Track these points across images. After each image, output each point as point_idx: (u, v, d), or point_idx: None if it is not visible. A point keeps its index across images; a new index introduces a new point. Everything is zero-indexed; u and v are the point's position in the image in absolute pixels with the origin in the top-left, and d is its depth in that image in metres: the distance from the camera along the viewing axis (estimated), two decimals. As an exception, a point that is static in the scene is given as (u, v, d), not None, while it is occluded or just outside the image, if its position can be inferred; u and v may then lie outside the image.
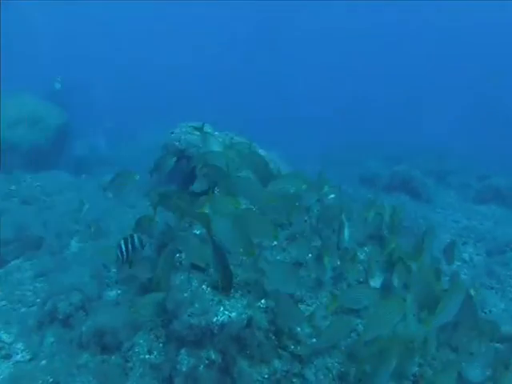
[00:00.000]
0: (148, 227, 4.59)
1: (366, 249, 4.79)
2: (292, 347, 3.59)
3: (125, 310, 4.97)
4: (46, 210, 7.53)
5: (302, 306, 3.94)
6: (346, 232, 4.37)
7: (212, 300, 3.69)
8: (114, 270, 6.35)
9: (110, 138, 14.30)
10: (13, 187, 7.98)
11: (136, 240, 4.69)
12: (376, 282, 4.21)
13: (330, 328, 3.48)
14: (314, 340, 3.63)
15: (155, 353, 3.96)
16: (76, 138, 12.76)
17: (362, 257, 4.63)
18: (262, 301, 3.78)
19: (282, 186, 4.04)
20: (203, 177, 4.70)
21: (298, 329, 3.68)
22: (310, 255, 4.36)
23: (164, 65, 31.21)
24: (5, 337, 4.64)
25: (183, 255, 4.30)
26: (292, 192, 4.05)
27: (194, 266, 3.98)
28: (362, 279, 4.38)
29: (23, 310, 5.33)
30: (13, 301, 5.46)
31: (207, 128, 6.33)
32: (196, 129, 4.84)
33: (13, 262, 6.35)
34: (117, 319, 4.49)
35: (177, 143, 6.21)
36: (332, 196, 4.77)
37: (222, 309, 3.63)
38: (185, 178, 5.75)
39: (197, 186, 5.02)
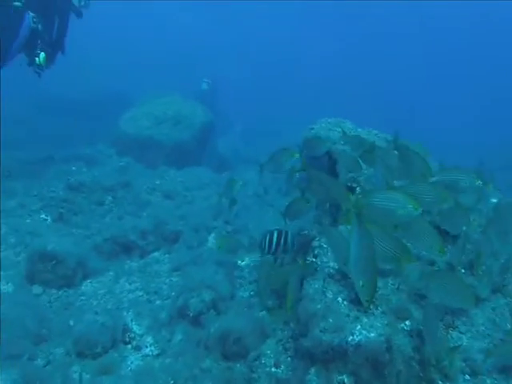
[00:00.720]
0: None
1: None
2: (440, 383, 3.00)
3: (255, 314, 4.72)
4: (186, 205, 7.59)
5: (453, 333, 3.31)
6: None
7: (348, 316, 3.22)
8: (247, 270, 6.17)
9: (247, 137, 14.40)
10: (157, 182, 8.18)
11: (289, 237, 4.45)
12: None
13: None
14: (468, 377, 3.00)
15: (282, 367, 3.62)
16: (219, 136, 12.98)
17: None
18: (407, 322, 3.23)
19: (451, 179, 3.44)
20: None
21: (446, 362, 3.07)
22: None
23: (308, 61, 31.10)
24: (136, 328, 4.59)
25: (319, 260, 3.89)
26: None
27: (331, 276, 3.54)
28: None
29: (158, 302, 5.30)
30: (149, 292, 5.46)
31: (348, 124, 5.86)
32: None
33: (153, 254, 6.43)
34: (246, 324, 4.21)
35: (317, 140, 5.80)
36: (494, 200, 4.01)
37: (359, 327, 3.15)
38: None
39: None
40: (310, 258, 4.08)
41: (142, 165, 9.28)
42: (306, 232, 4.95)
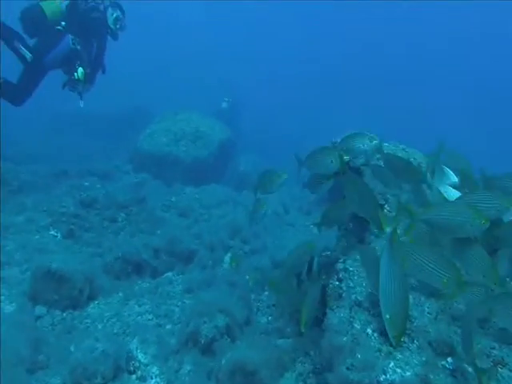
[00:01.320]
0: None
1: None
2: None
3: (273, 341, 4.27)
4: (202, 223, 7.19)
5: (503, 372, 2.80)
6: None
7: (379, 351, 2.74)
8: (266, 293, 5.72)
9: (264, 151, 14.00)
10: (173, 199, 7.81)
11: (315, 265, 4.10)
12: None
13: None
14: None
15: (303, 408, 3.13)
16: (241, 154, 12.65)
17: None
18: (449, 359, 2.73)
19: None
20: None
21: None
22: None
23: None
24: (141, 357, 4.14)
25: (343, 284, 3.43)
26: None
27: (358, 304, 3.07)
28: None
29: (168, 326, 4.87)
30: (159, 315, 5.04)
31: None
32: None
33: (165, 274, 6.02)
34: (262, 354, 3.75)
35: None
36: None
37: (391, 364, 2.66)
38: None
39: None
40: (334, 282, 3.61)
41: (159, 182, 8.94)
42: (329, 253, 4.49)
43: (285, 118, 19.81)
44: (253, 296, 5.50)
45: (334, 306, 3.22)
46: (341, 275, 3.49)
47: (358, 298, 3.12)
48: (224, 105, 14.81)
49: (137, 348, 4.20)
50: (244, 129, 15.52)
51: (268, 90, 25.10)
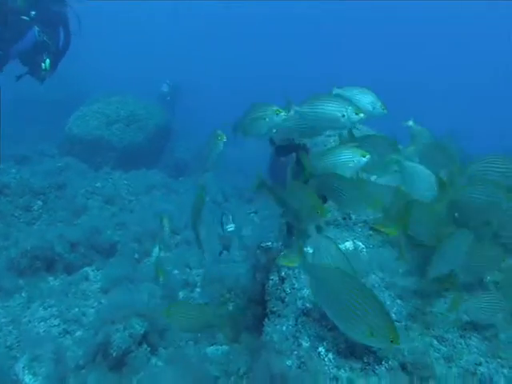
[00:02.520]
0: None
1: None
2: None
3: (202, 350, 3.39)
4: (129, 212, 6.19)
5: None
6: None
7: (336, 379, 1.90)
8: (198, 290, 4.83)
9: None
10: (98, 184, 6.73)
11: None
12: None
13: None
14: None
15: None
16: (180, 140, 11.62)
17: None
18: (429, 386, 1.93)
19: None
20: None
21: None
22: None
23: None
24: (29, 379, 3.12)
25: (287, 284, 2.58)
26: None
27: (306, 312, 2.20)
28: None
29: (78, 333, 3.90)
30: (68, 320, 4.05)
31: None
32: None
33: (82, 270, 5.00)
34: (185, 370, 2.86)
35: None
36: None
37: (353, 397, 1.83)
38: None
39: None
40: (275, 281, 2.76)
41: (85, 166, 7.79)
42: (270, 244, 3.61)
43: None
44: (181, 294, 4.61)
45: (275, 316, 2.35)
46: (283, 273, 2.63)
47: (306, 304, 2.26)
48: (164, 88, 13.62)
49: (24, 368, 3.18)
50: (187, 114, 14.40)
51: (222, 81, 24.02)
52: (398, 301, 2.21)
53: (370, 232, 2.71)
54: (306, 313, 2.20)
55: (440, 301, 2.22)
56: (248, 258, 4.83)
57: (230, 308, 3.75)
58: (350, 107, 2.65)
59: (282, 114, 2.74)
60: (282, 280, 2.60)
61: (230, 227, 4.52)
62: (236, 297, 3.94)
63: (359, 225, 2.79)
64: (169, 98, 13.22)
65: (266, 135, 2.95)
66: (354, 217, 2.88)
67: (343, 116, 2.65)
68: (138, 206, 6.45)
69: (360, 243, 2.63)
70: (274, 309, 2.57)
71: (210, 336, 3.63)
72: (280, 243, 3.32)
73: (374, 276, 2.35)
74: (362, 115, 2.64)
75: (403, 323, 2.17)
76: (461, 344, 2.08)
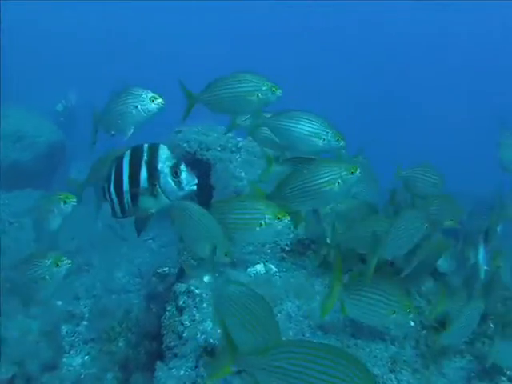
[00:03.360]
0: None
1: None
2: None
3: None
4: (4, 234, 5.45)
5: None
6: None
7: None
8: (85, 323, 4.21)
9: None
10: (-27, 205, 5.88)
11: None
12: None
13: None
14: None
15: None
16: (73, 159, 10.83)
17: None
18: None
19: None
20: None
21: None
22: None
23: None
24: None
25: (186, 316, 2.17)
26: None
27: (210, 350, 1.80)
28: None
29: None
30: None
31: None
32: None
33: None
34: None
35: (185, 144, 4.10)
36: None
37: None
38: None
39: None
40: (173, 312, 2.34)
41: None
42: (167, 269, 3.18)
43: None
44: (65, 328, 3.98)
45: (172, 354, 1.93)
46: (181, 302, 2.21)
47: (210, 339, 1.86)
48: (59, 107, 12.67)
49: None
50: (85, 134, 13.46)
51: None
52: (319, 332, 1.89)
53: (283, 254, 2.40)
54: (209, 351, 1.80)
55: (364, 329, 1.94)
56: (143, 286, 4.35)
57: (121, 344, 3.23)
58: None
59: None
60: (180, 311, 2.18)
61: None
62: (128, 331, 3.43)
63: (268, 246, 2.47)
64: (62, 119, 12.24)
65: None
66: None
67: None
68: (21, 228, 5.72)
69: (272, 266, 2.31)
70: (171, 344, 2.15)
71: (94, 378, 3.10)
72: (178, 269, 2.91)
73: (289, 304, 2.02)
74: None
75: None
76: (391, 380, 1.80)
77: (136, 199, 2.07)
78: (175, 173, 1.97)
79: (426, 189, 2.64)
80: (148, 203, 2.04)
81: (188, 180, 1.98)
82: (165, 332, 2.43)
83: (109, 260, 5.92)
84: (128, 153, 2.07)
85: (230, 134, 4.16)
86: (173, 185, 1.97)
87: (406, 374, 1.85)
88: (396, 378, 1.82)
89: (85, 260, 5.40)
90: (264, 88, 2.28)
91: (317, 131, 2.30)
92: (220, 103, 2.38)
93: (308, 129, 2.31)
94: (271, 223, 1.95)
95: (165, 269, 3.40)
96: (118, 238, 7.11)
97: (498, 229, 2.89)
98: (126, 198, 2.10)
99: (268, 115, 2.45)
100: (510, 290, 2.56)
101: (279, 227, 1.92)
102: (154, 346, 2.87)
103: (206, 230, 2.09)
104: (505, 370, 2.14)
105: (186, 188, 1.97)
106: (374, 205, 2.58)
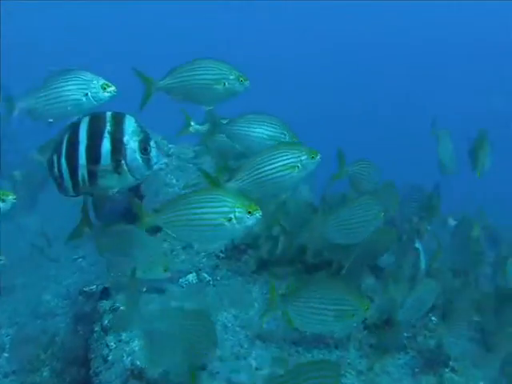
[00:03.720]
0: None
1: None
2: None
3: None
4: None
5: None
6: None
7: None
8: (6, 355, 3.84)
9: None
10: None
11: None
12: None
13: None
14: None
15: None
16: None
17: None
18: None
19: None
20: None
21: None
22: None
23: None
24: None
25: (111, 336, 1.96)
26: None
27: (137, 374, 1.60)
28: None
29: None
30: None
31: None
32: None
33: None
34: None
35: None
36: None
37: None
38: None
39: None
40: (99, 333, 2.12)
41: None
42: (94, 288, 2.93)
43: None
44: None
45: (97, 381, 1.71)
46: (107, 321, 1.99)
47: (137, 361, 1.66)
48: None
49: None
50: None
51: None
52: (258, 342, 1.74)
53: (217, 262, 2.24)
54: (136, 375, 1.60)
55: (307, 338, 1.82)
56: (70, 307, 4.03)
57: (45, 374, 2.93)
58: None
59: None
60: (106, 331, 1.96)
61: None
62: (53, 358, 3.12)
63: (202, 254, 2.31)
64: None
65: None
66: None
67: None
68: None
69: (206, 275, 2.15)
70: (98, 369, 1.93)
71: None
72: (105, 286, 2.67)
73: (225, 313, 1.86)
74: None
75: (266, 370, 1.71)
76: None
77: (94, 175, 1.77)
78: (144, 149, 1.76)
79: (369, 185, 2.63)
80: (110, 181, 1.76)
81: (158, 158, 1.76)
82: (92, 356, 2.20)
83: (35, 282, 5.54)
84: (86, 120, 1.77)
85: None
86: (141, 162, 1.74)
87: (351, 378, 1.79)
88: (341, 383, 1.74)
89: (7, 283, 5.01)
90: (231, 77, 2.15)
91: (275, 134, 2.21)
92: (183, 91, 2.18)
93: (268, 132, 2.22)
94: (242, 217, 1.69)
95: (92, 287, 3.14)
96: (45, 258, 6.70)
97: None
98: (82, 172, 1.75)
99: (224, 121, 2.34)
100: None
101: (250, 222, 1.70)
102: (82, 372, 2.62)
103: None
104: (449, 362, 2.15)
105: (155, 167, 1.76)
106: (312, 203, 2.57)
